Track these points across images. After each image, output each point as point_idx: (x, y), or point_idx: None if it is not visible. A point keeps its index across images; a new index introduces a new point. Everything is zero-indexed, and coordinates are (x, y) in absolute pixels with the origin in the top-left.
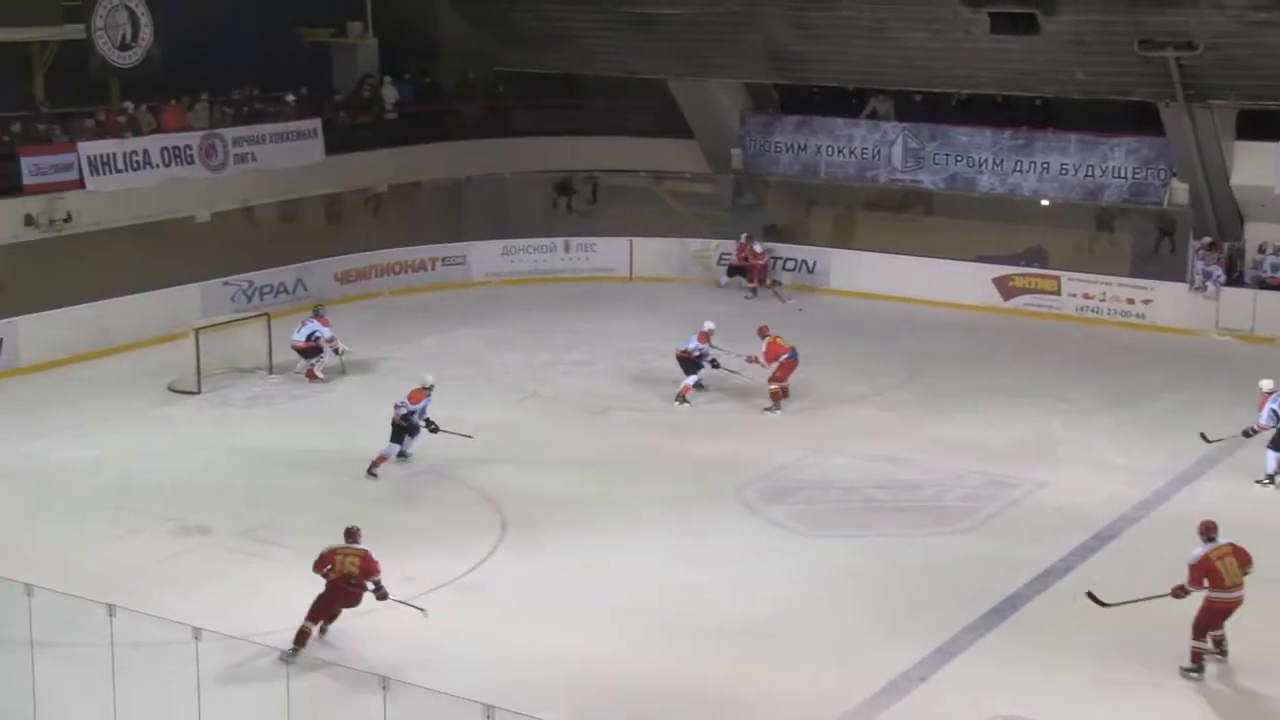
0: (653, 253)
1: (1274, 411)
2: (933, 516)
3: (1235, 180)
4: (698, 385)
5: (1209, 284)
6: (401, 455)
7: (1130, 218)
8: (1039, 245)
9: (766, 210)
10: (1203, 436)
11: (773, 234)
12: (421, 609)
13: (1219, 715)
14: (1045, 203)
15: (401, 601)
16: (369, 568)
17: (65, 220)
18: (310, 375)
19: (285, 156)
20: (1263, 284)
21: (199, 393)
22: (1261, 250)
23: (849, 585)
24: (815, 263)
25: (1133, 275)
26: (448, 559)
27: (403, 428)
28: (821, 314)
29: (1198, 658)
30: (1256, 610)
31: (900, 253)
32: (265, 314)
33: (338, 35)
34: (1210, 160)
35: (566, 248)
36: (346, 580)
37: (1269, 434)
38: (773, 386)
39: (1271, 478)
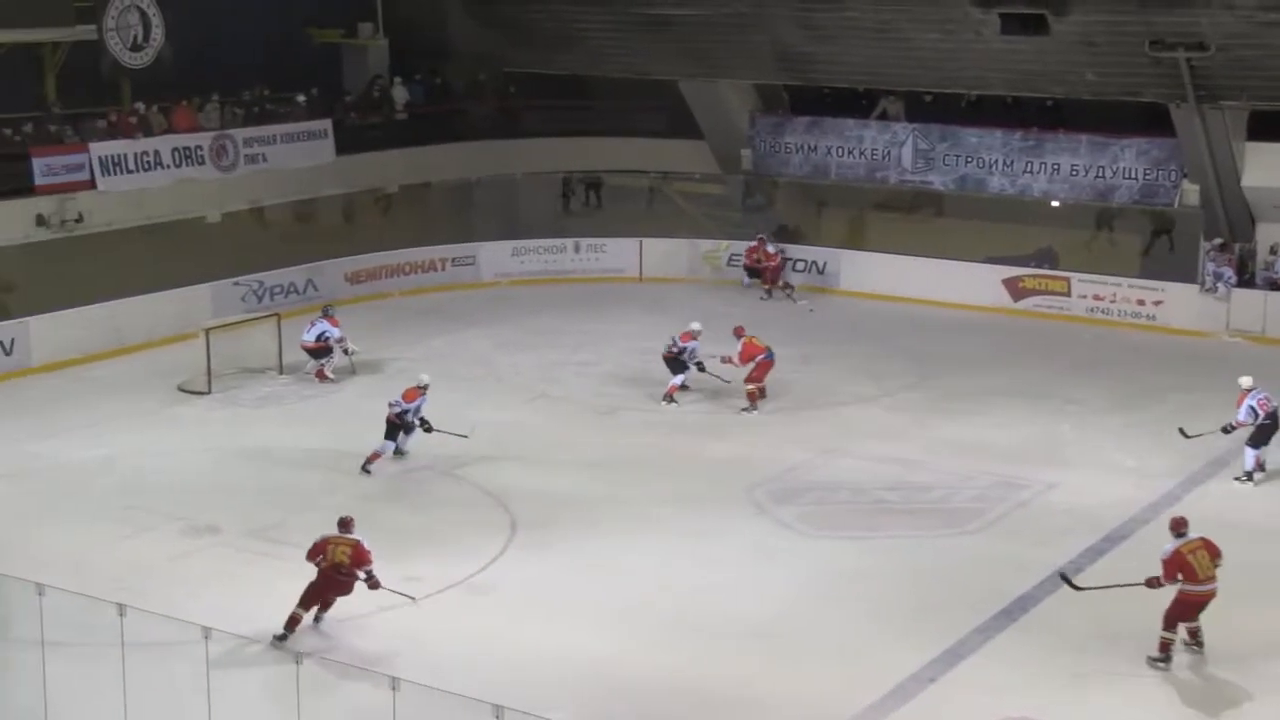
0: (662, 253)
1: (1252, 408)
2: (942, 518)
3: (1246, 181)
4: (683, 386)
5: (1220, 285)
6: (398, 453)
7: (1130, 217)
8: (1049, 246)
9: (776, 211)
10: (1181, 432)
11: (785, 235)
12: (411, 596)
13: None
14: (1056, 204)
15: (392, 590)
16: (360, 557)
17: (77, 220)
18: (320, 375)
19: (296, 157)
20: (1274, 285)
21: (209, 393)
22: (1273, 251)
23: (858, 586)
24: (825, 264)
25: (1143, 276)
26: (457, 559)
27: (397, 425)
28: (831, 315)
29: (1166, 648)
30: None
31: (910, 254)
32: (275, 314)
33: (348, 36)
34: (1221, 161)
35: (576, 248)
36: (337, 569)
37: (1247, 430)
38: (749, 387)
39: (1250, 474)
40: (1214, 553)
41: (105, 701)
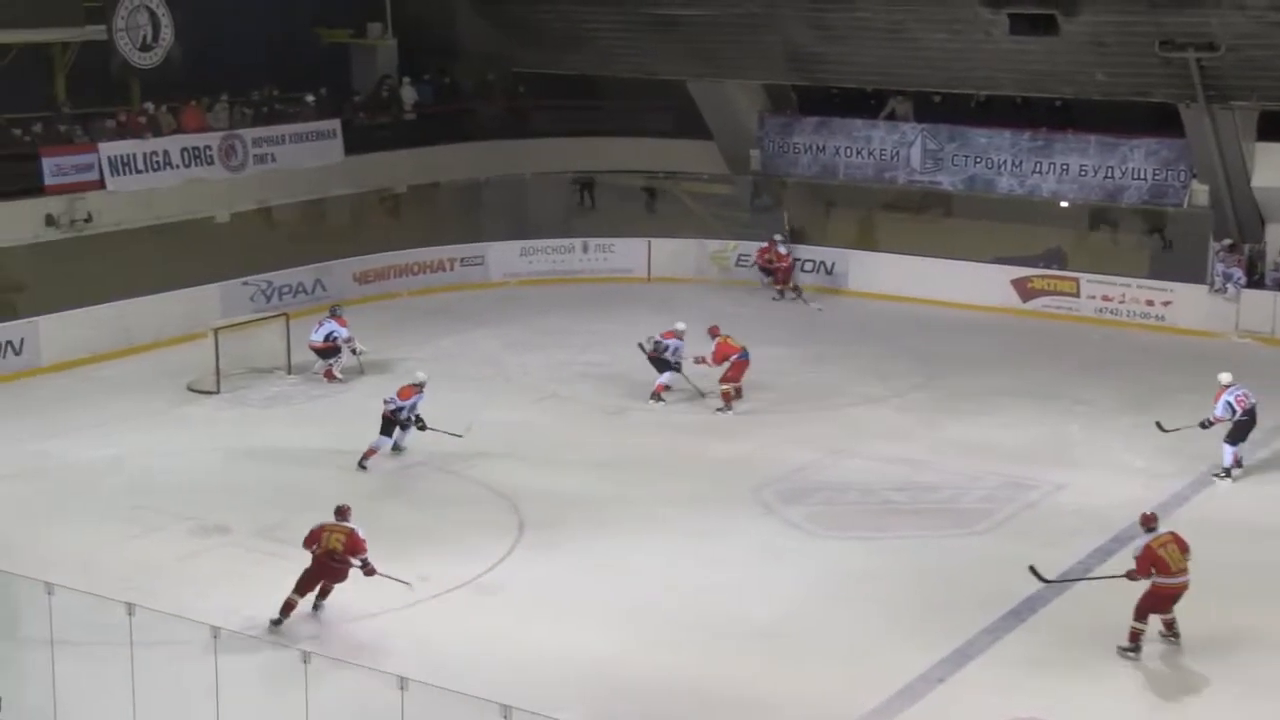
0: (670, 254)
1: (1229, 404)
2: (950, 518)
3: (1256, 182)
4: (669, 386)
5: (1229, 286)
6: (396, 449)
7: (1127, 216)
8: (1058, 247)
9: (784, 211)
10: (1159, 426)
11: (797, 236)
12: (407, 582)
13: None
14: (1064, 204)
15: (387, 576)
16: (354, 545)
17: (86, 220)
18: (328, 375)
19: (304, 157)
20: None
21: (218, 392)
22: None
23: (866, 587)
24: (834, 264)
25: (1152, 277)
26: (465, 559)
27: (393, 421)
28: (840, 315)
29: (1136, 638)
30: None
31: (919, 254)
32: (284, 314)
33: (357, 36)
34: (1231, 162)
35: (585, 248)
36: (330, 556)
37: (1225, 427)
38: (724, 387)
39: (1228, 471)
40: (1183, 547)
41: (114, 701)
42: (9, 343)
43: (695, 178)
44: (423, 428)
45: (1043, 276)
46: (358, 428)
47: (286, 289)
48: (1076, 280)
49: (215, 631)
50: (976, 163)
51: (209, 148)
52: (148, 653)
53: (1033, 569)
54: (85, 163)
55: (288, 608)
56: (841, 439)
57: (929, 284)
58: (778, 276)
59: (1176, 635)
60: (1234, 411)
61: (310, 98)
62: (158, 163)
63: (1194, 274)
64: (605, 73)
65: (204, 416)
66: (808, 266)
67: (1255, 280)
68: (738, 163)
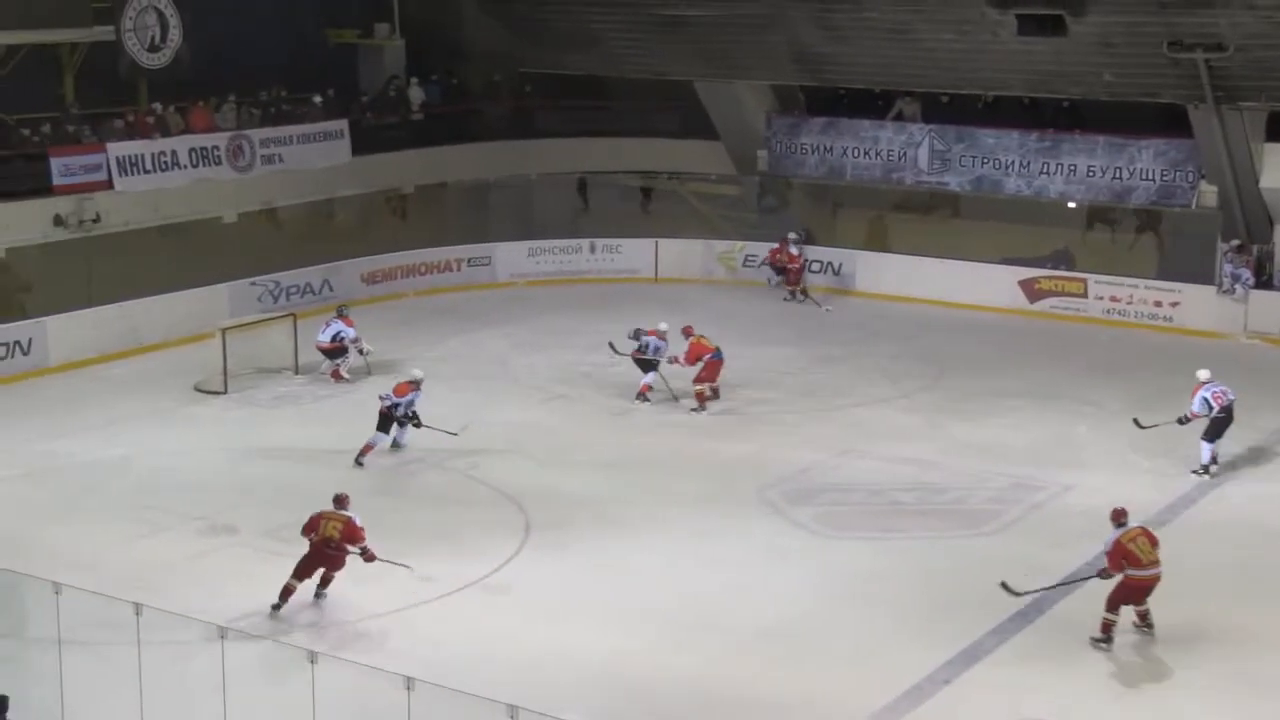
0: (678, 254)
1: (1205, 400)
2: (958, 519)
3: (1265, 182)
4: (652, 385)
5: (1237, 287)
6: (394, 446)
7: (1122, 215)
8: (1065, 247)
9: (792, 212)
10: (1136, 423)
11: (808, 237)
12: (408, 566)
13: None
14: (1072, 205)
15: (387, 561)
16: (351, 534)
17: (94, 221)
18: (336, 376)
19: (312, 157)
20: None
21: (225, 392)
22: None
23: (873, 588)
24: (841, 264)
25: (1160, 278)
26: (472, 559)
27: (389, 418)
28: (847, 315)
29: (1108, 629)
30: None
31: (926, 255)
32: (292, 314)
33: (364, 36)
34: (1239, 162)
35: (592, 249)
36: (326, 543)
37: (1202, 424)
38: (697, 388)
39: (1206, 468)
40: (1153, 540)
41: (121, 699)
42: (17, 343)
43: (702, 178)
44: (418, 425)
45: (1050, 277)
46: (365, 428)
47: (294, 289)
48: (1084, 281)
49: (222, 631)
50: (984, 163)
51: (217, 148)
52: (155, 652)
53: (1004, 585)
54: (93, 163)
55: (286, 592)
56: (848, 439)
57: (936, 284)
58: (789, 277)
59: (1150, 626)
60: (1211, 408)
61: (318, 98)
62: (166, 163)
63: (1202, 275)
64: (612, 73)
65: (211, 416)
66: (815, 267)
67: (1264, 281)
68: (745, 163)
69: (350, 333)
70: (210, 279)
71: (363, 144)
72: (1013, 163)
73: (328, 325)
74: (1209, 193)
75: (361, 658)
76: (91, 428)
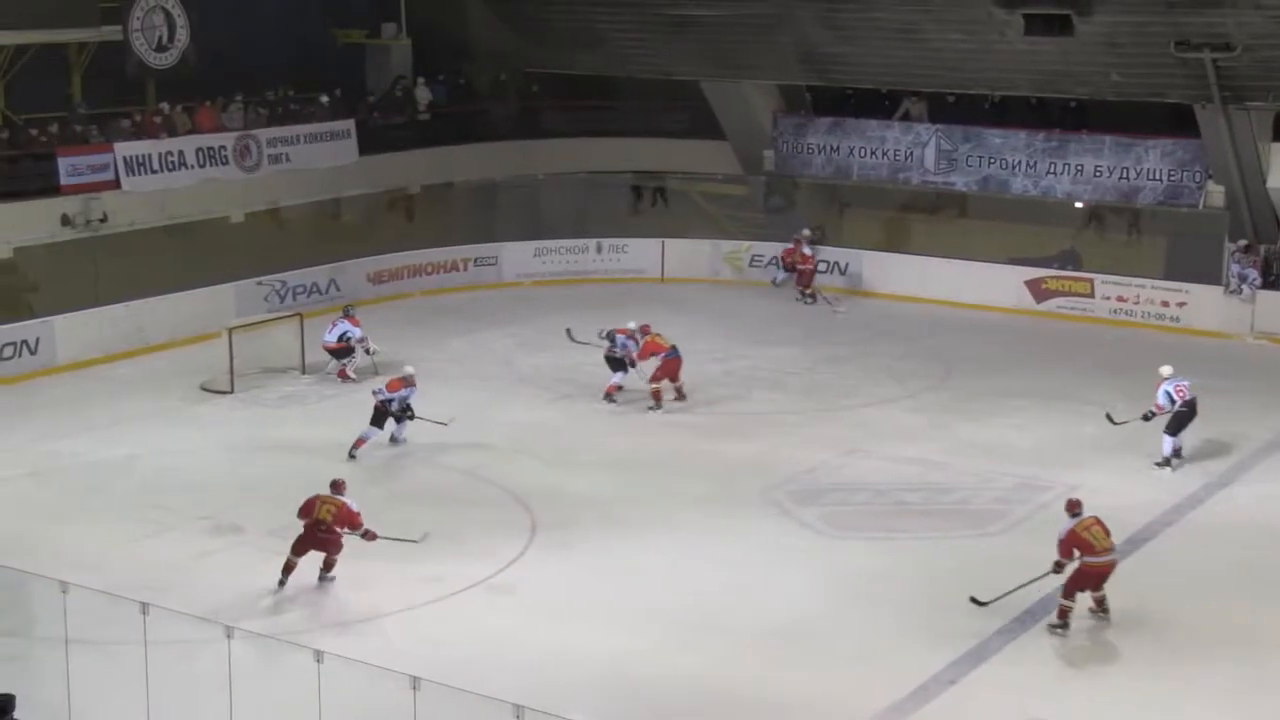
0: (684, 254)
1: (1168, 394)
2: (964, 519)
3: (1272, 183)
4: (620, 386)
5: (1244, 287)
6: (393, 440)
7: (1120, 215)
8: (1072, 247)
9: (799, 212)
10: (1108, 418)
11: (820, 237)
12: (414, 539)
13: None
14: (1079, 205)
15: (390, 538)
16: (345, 518)
17: (101, 220)
18: (342, 375)
19: (319, 157)
20: None
21: (232, 392)
22: None
23: (879, 588)
24: (847, 264)
25: (1167, 278)
26: (478, 559)
27: (383, 413)
28: (854, 316)
29: (1064, 615)
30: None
31: (933, 255)
32: (298, 314)
33: (371, 36)
34: (1246, 162)
35: (598, 249)
36: (317, 525)
37: (1165, 418)
38: (653, 386)
39: (1168, 460)
40: (1106, 529)
41: (128, 699)
42: (24, 342)
43: (709, 178)
44: (411, 417)
45: (1057, 277)
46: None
47: (301, 289)
48: (1091, 281)
49: (228, 630)
50: (991, 163)
51: (224, 148)
52: (161, 651)
53: (973, 599)
54: (101, 163)
55: (287, 569)
56: (854, 439)
57: (943, 284)
58: (802, 277)
59: (1106, 611)
60: (1173, 402)
61: (325, 98)
62: (173, 163)
63: (1209, 275)
64: (619, 73)
65: (218, 416)
66: (821, 267)
67: (1271, 281)
68: (752, 163)
69: (356, 332)
70: (217, 279)
71: (369, 144)
72: (1019, 163)
73: (334, 325)
74: (1216, 193)
75: (367, 657)
76: (98, 427)
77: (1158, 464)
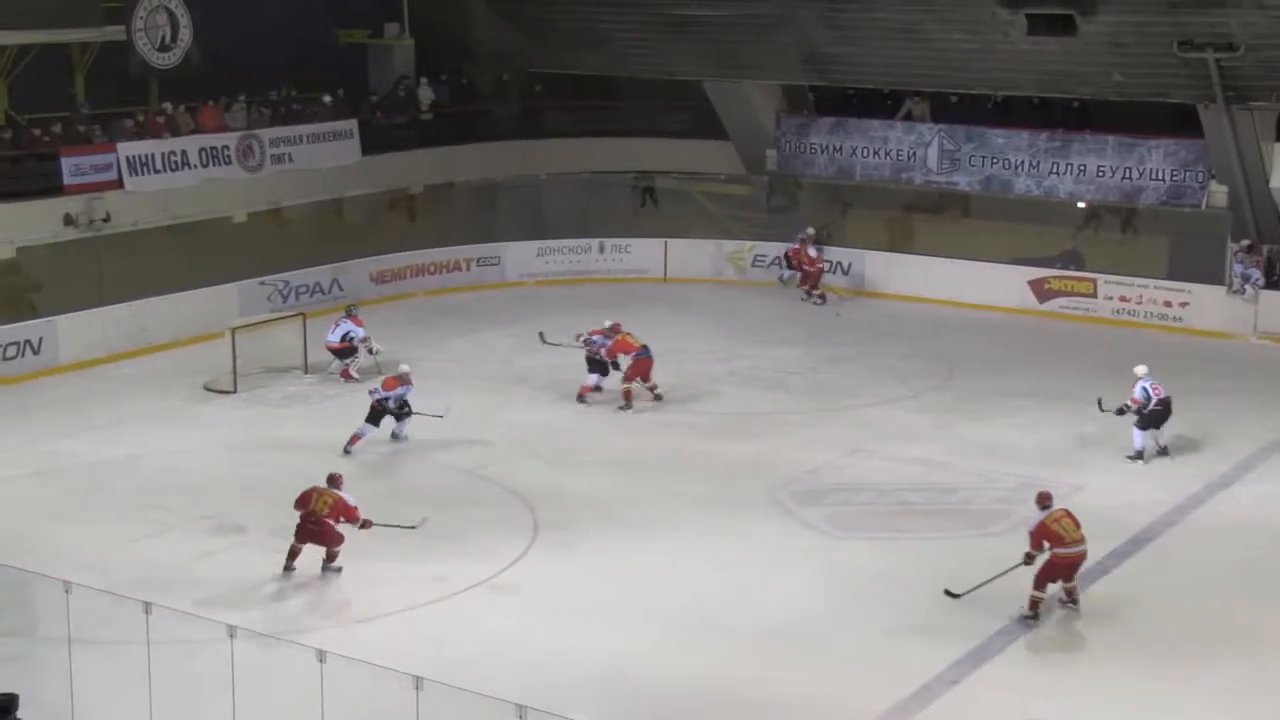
0: (687, 254)
1: (1145, 389)
2: (966, 519)
3: (1275, 182)
4: (596, 387)
5: (1247, 287)
6: (395, 437)
7: (1117, 214)
8: (1075, 248)
9: (802, 212)
10: (1099, 404)
11: (825, 237)
12: (412, 525)
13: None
14: (1082, 205)
15: (387, 525)
16: (341, 511)
17: (104, 220)
18: (345, 375)
19: (322, 157)
20: None
21: (235, 392)
22: None
23: (882, 588)
24: (850, 264)
25: (1170, 278)
26: (480, 559)
27: (379, 411)
28: (857, 316)
29: (1035, 606)
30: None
31: (935, 255)
32: (301, 314)
33: (374, 36)
34: (1249, 162)
35: (601, 249)
36: (309, 518)
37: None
38: (623, 386)
39: (1140, 454)
40: (1075, 521)
41: (131, 698)
42: (27, 342)
43: (712, 178)
44: (409, 413)
45: (1059, 277)
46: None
47: (303, 289)
48: (1093, 281)
49: (231, 630)
50: (993, 163)
51: (227, 148)
52: (164, 651)
53: (947, 591)
54: (104, 163)
55: (292, 554)
56: (857, 439)
57: (946, 284)
58: (807, 278)
59: (1076, 602)
60: (1149, 398)
61: (327, 98)
62: (176, 163)
63: (1212, 275)
64: (621, 73)
65: (221, 416)
66: (824, 266)
67: (1274, 281)
68: (754, 163)
69: (359, 332)
70: (220, 278)
71: (372, 144)
72: (1022, 163)
73: (337, 325)
74: (1219, 193)
75: (370, 657)
76: (101, 427)
77: (1129, 457)
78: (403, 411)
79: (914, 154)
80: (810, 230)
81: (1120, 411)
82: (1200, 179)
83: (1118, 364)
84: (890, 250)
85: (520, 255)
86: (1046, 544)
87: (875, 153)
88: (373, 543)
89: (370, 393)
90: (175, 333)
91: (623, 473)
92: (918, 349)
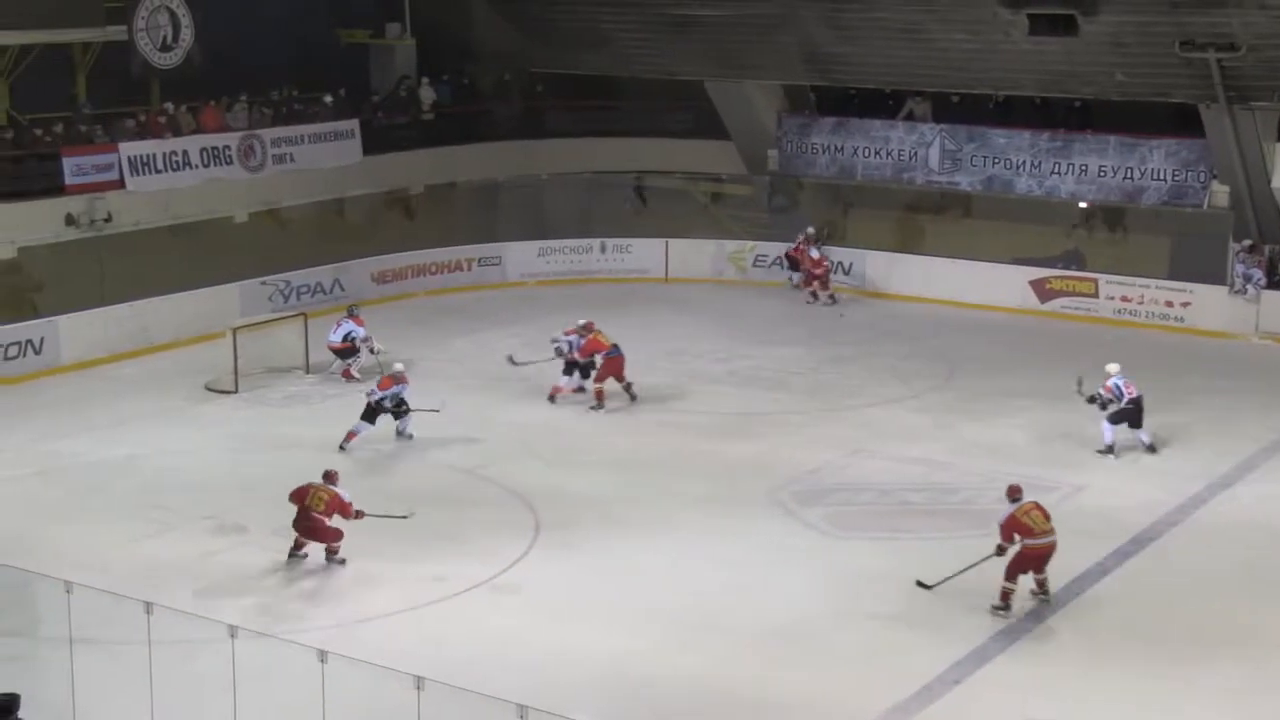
0: (688, 254)
1: (1118, 385)
2: (968, 519)
3: (1276, 182)
4: (579, 389)
5: (1249, 287)
6: (400, 435)
7: (1113, 213)
8: (1076, 247)
9: (803, 212)
10: (1077, 384)
11: (825, 237)
12: (403, 515)
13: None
14: (1083, 205)
15: (379, 515)
16: (336, 507)
17: (106, 220)
18: (347, 375)
19: (323, 157)
20: None
21: (236, 392)
22: None
23: (882, 588)
24: (852, 264)
25: (1171, 278)
26: (481, 559)
27: (375, 410)
28: (858, 316)
29: (1006, 597)
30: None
31: (937, 255)
32: (302, 314)
33: (376, 36)
34: (1251, 162)
35: (602, 249)
36: (303, 513)
37: (1113, 408)
38: (595, 386)
39: (1110, 448)
40: (1045, 513)
41: (132, 698)
42: (29, 342)
43: (714, 178)
44: (407, 410)
45: (1061, 277)
46: (375, 427)
47: (305, 289)
48: (1095, 281)
49: (232, 630)
50: (995, 163)
51: (228, 148)
52: (165, 651)
53: (919, 582)
54: (105, 163)
55: (297, 545)
56: (859, 440)
57: (947, 284)
58: (811, 280)
59: (1047, 594)
60: (1121, 394)
61: (329, 98)
62: (177, 163)
63: (1214, 275)
64: (623, 73)
65: (222, 416)
66: (829, 266)
67: (1276, 281)
68: (756, 163)
69: (361, 332)
70: (221, 278)
71: (374, 144)
72: (1024, 163)
73: (339, 325)
74: (1221, 193)
75: (371, 657)
76: (102, 427)
77: (1099, 451)
78: (401, 410)
79: (915, 154)
80: (810, 230)
81: (1091, 399)
82: (1202, 179)
83: (1121, 364)
84: (892, 250)
85: (521, 255)
86: (1017, 536)
87: (877, 153)
88: (373, 543)
89: (367, 396)
90: (176, 333)
91: (623, 473)
92: (919, 349)
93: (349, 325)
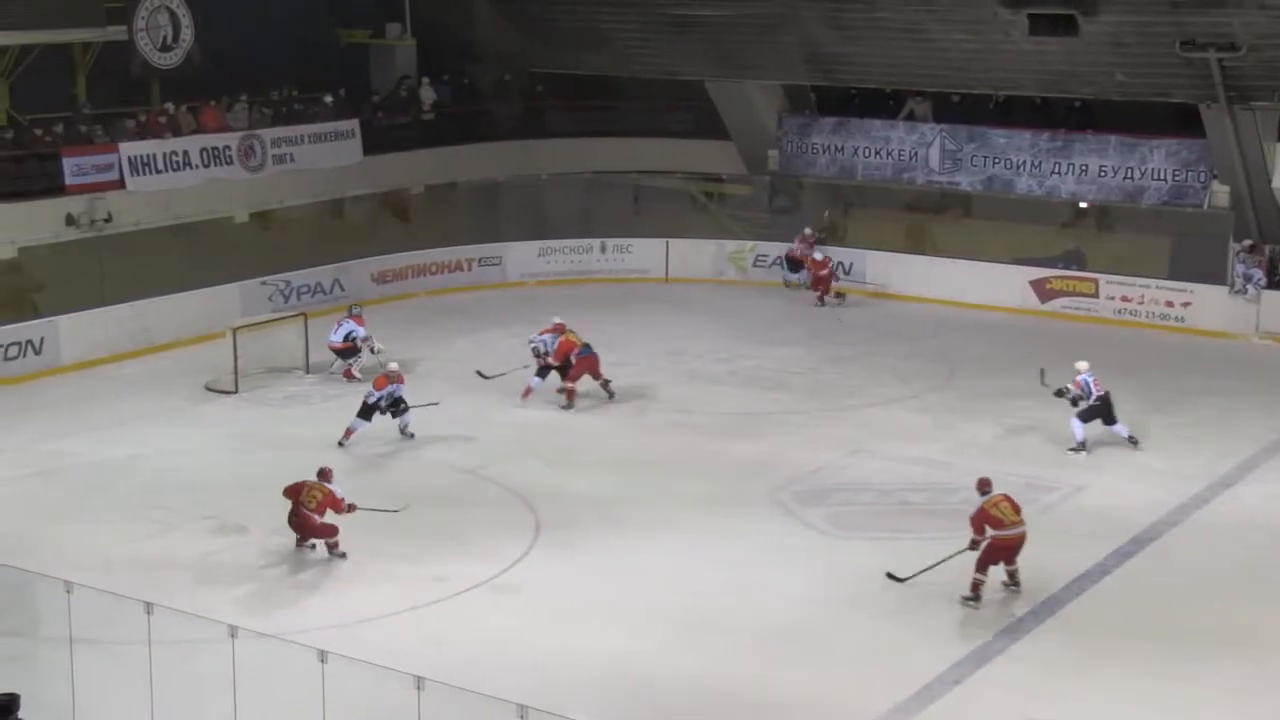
0: (688, 254)
1: (1087, 382)
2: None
3: (1277, 182)
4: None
5: (1250, 287)
6: (403, 433)
7: (1110, 213)
8: (1076, 247)
9: (804, 212)
10: (1041, 375)
11: (825, 236)
12: (394, 509)
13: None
14: (1084, 205)
15: (371, 509)
16: (330, 504)
17: (106, 220)
18: (348, 375)
19: (323, 157)
20: None
21: (236, 392)
22: None
23: (883, 588)
24: (852, 264)
25: (1172, 278)
26: (482, 559)
27: (371, 408)
28: (858, 316)
29: (976, 588)
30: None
31: (937, 255)
32: (303, 314)
33: (376, 36)
34: (1252, 162)
35: (603, 249)
36: (296, 510)
37: (1082, 405)
38: (567, 385)
39: (1083, 445)
40: (1015, 506)
41: (132, 698)
42: (29, 342)
43: (714, 178)
44: (406, 408)
45: (1061, 277)
46: (375, 427)
47: (305, 289)
48: (1095, 281)
49: (232, 630)
50: (995, 163)
51: (228, 148)
52: (166, 651)
53: (890, 574)
54: (105, 163)
55: (300, 541)
56: (859, 440)
57: (947, 284)
58: (817, 282)
59: (1017, 585)
60: (1090, 391)
61: (329, 98)
62: (177, 163)
63: (1214, 275)
64: (623, 73)
65: (222, 416)
66: (831, 266)
67: (1276, 281)
68: (756, 163)
69: (361, 332)
70: (221, 278)
71: (374, 144)
72: (1024, 163)
73: (339, 325)
74: (1221, 193)
75: (371, 657)
76: (102, 427)
77: (1071, 450)
78: (399, 409)
79: (916, 154)
80: (809, 230)
81: (1059, 393)
82: (1202, 179)
83: (1120, 364)
84: (892, 250)
85: (522, 255)
86: (988, 528)
87: (877, 153)
88: (374, 543)
89: (365, 396)
90: (177, 333)
91: (623, 473)
92: (919, 349)
93: (350, 325)
